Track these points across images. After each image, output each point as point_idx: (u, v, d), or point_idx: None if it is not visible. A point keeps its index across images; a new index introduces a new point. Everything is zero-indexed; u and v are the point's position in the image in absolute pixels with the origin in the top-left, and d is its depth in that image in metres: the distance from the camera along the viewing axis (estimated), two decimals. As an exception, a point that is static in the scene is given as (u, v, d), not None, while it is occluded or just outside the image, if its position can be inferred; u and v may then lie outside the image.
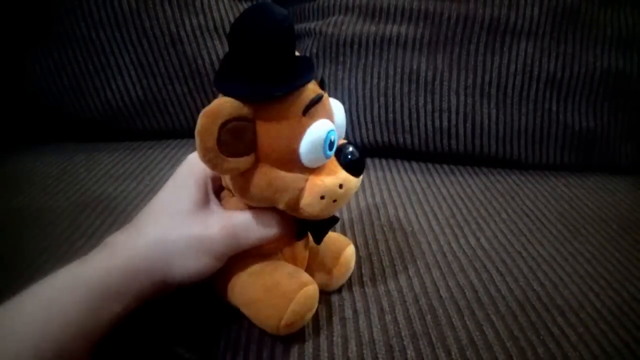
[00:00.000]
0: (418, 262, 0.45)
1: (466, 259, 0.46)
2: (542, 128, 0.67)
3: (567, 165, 0.69)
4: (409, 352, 0.35)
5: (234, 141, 0.29)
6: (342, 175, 0.32)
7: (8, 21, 0.67)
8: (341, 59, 0.69)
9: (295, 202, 0.32)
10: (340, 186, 0.32)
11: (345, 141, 0.34)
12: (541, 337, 0.36)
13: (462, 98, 0.66)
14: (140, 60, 0.68)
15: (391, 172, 0.65)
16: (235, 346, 0.36)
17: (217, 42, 0.69)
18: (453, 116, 0.67)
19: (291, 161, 0.30)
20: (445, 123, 0.67)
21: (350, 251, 0.40)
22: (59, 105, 0.70)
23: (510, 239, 0.49)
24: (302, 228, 0.36)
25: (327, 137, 0.30)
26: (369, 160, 0.69)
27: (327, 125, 0.31)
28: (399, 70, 0.67)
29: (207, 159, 0.28)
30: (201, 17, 0.68)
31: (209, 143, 0.28)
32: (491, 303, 0.40)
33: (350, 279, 0.42)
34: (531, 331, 0.37)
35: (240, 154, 0.29)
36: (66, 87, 0.69)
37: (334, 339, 0.36)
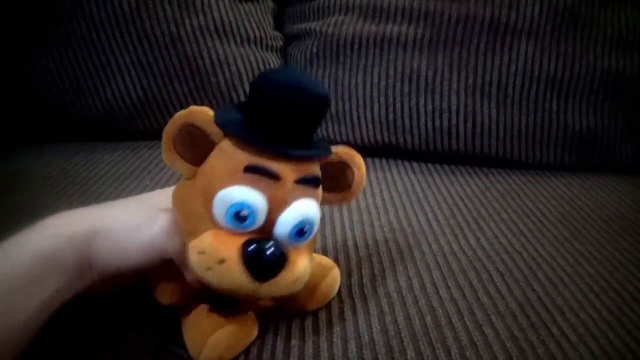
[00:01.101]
0: (418, 263, 0.45)
1: (466, 259, 0.46)
2: (542, 128, 0.67)
3: (568, 165, 0.69)
4: (409, 352, 0.35)
5: (183, 144, 0.30)
6: (231, 254, 0.28)
7: (8, 21, 0.67)
8: (341, 59, 0.69)
9: (187, 240, 0.30)
10: (222, 261, 0.28)
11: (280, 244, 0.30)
12: (541, 338, 0.36)
13: (462, 98, 0.66)
14: (140, 60, 0.68)
15: (391, 172, 0.65)
16: (235, 347, 0.36)
17: (217, 42, 0.69)
18: (453, 116, 0.67)
19: (208, 202, 0.29)
20: (445, 123, 0.67)
21: (329, 281, 0.38)
22: (59, 105, 0.70)
23: (511, 239, 0.49)
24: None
25: (235, 204, 0.28)
26: (369, 160, 0.69)
27: (245, 195, 0.28)
28: (399, 70, 0.67)
29: (162, 140, 0.30)
30: (201, 17, 0.68)
31: (169, 130, 0.30)
32: (491, 303, 0.40)
33: (350, 279, 0.42)
34: (531, 331, 0.37)
35: (185, 158, 0.31)
36: (66, 87, 0.69)
37: (334, 339, 0.36)
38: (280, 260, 0.29)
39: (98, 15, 0.66)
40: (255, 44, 0.73)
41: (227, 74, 0.70)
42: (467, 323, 0.37)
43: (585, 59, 0.66)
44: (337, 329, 0.37)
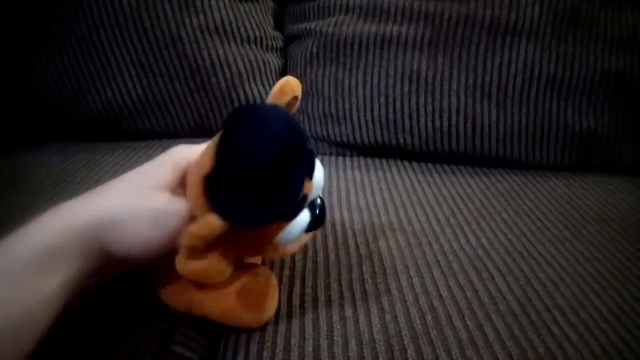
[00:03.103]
0: (418, 262, 0.45)
1: (466, 258, 0.46)
2: (542, 128, 0.67)
3: (568, 165, 0.69)
4: (409, 351, 0.35)
5: None
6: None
7: (9, 21, 0.67)
8: (341, 59, 0.69)
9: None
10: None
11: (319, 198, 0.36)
12: (542, 337, 0.36)
13: (462, 98, 0.66)
14: (140, 60, 0.68)
15: (391, 172, 0.65)
16: (235, 346, 0.36)
17: (217, 42, 0.69)
18: (453, 116, 0.67)
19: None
20: (445, 123, 0.67)
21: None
22: (60, 105, 0.70)
23: (511, 239, 0.49)
24: None
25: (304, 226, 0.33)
26: (369, 160, 0.69)
27: (306, 216, 0.33)
28: (399, 70, 0.67)
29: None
30: (201, 17, 0.68)
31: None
32: (491, 302, 0.40)
33: (350, 278, 0.42)
34: (532, 331, 0.37)
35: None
36: (67, 87, 0.69)
37: (334, 338, 0.36)
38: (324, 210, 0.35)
39: (98, 16, 0.66)
40: (256, 44, 0.73)
41: (227, 74, 0.70)
42: (468, 322, 0.37)
43: (585, 59, 0.66)
44: (337, 327, 0.37)
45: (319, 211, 0.34)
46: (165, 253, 0.33)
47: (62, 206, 0.32)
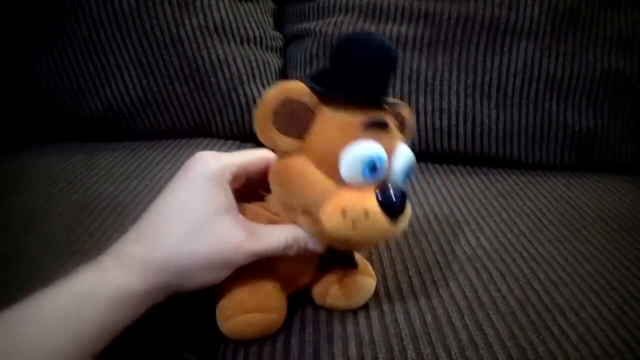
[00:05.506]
0: (418, 262, 0.45)
1: (466, 258, 0.46)
2: (542, 128, 0.67)
3: (567, 165, 0.69)
4: (409, 352, 0.35)
5: (287, 119, 0.31)
6: (372, 204, 0.31)
7: (8, 21, 0.67)
8: (341, 59, 0.69)
9: (315, 210, 0.31)
10: (366, 213, 0.30)
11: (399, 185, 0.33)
12: (541, 337, 0.36)
13: (462, 98, 0.66)
14: (140, 60, 0.68)
15: (391, 172, 0.65)
16: (235, 346, 0.36)
17: (217, 42, 0.69)
18: (453, 116, 0.67)
19: (331, 166, 0.31)
20: (445, 123, 0.67)
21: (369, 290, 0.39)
22: (59, 105, 0.70)
23: (510, 239, 0.49)
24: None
25: (370, 157, 0.30)
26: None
27: (377, 148, 0.31)
28: (399, 70, 0.67)
29: (259, 124, 0.31)
30: (201, 17, 0.68)
31: (266, 110, 0.30)
32: (491, 303, 0.40)
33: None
34: (531, 331, 0.37)
35: (287, 133, 0.31)
36: (66, 87, 0.69)
37: (334, 339, 0.36)
38: (405, 198, 0.32)
39: (98, 15, 0.66)
40: (255, 44, 0.73)
41: (227, 74, 0.70)
42: (467, 322, 0.37)
43: (585, 59, 0.66)
44: (337, 328, 0.37)
45: (392, 192, 0.31)
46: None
47: (124, 253, 0.31)
